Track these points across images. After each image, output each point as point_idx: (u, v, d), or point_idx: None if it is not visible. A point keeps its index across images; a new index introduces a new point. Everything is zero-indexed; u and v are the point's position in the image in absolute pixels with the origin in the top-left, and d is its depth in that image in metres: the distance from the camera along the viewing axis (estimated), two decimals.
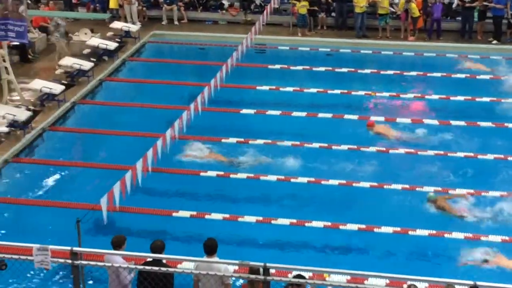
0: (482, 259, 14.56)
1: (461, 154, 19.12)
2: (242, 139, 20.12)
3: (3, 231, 15.56)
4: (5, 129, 20.09)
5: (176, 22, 31.23)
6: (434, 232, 15.53)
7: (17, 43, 23.98)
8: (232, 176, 18.13)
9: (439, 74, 25.21)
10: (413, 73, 25.44)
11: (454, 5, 30.37)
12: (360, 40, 28.87)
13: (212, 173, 18.25)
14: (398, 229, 15.73)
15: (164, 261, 11.15)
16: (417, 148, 19.52)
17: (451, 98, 23.03)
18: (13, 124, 20.21)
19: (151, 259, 11.15)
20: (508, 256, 14.78)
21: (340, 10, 30.29)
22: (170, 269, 9.26)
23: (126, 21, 30.04)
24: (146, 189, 16.77)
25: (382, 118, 21.51)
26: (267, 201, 17.19)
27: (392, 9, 29.40)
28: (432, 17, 28.83)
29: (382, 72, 25.56)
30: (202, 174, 18.22)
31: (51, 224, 15.98)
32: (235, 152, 19.49)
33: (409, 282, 11.52)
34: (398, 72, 25.50)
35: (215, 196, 17.36)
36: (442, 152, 19.24)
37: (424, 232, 15.52)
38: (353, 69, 25.72)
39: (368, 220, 16.03)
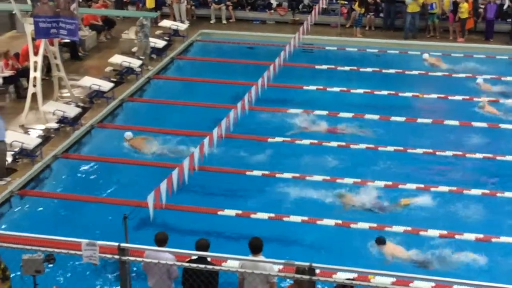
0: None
1: None
2: (288, 139, 20.13)
3: (52, 226, 15.76)
4: (55, 125, 20.38)
5: (224, 21, 31.37)
6: None
7: (68, 41, 24.30)
8: (277, 175, 18.15)
9: (488, 76, 24.91)
10: (462, 75, 25.18)
11: (505, 7, 30.02)
12: (408, 41, 28.67)
13: (257, 173, 18.28)
14: (481, 236, 15.61)
15: (209, 259, 11.21)
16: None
17: (501, 101, 22.79)
18: (62, 121, 20.49)
19: (196, 257, 11.22)
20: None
21: (388, 11, 30.13)
22: (216, 267, 9.31)
23: (175, 20, 30.25)
24: (192, 187, 16.86)
25: (429, 120, 21.36)
26: (312, 201, 17.14)
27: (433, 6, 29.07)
28: (486, 18, 28.51)
29: (430, 74, 25.35)
30: (248, 173, 18.26)
31: (98, 220, 16.15)
32: (280, 151, 19.50)
33: None
34: (447, 74, 25.26)
35: (261, 195, 17.37)
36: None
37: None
38: (400, 70, 25.55)
39: (413, 223, 15.97)
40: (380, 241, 14.92)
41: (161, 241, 11.86)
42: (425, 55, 26.02)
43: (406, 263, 14.53)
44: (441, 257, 14.71)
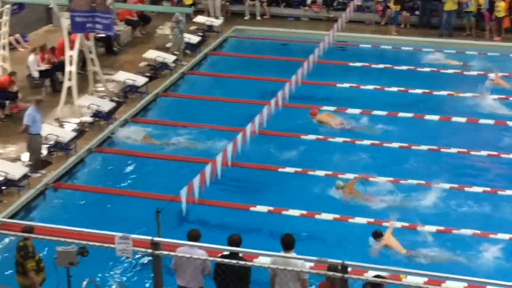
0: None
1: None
2: (321, 136, 20.10)
3: (85, 219, 15.90)
4: (90, 119, 20.54)
5: (258, 18, 31.38)
6: None
7: (103, 35, 24.47)
8: (310, 173, 18.14)
9: None
10: (499, 74, 24.91)
11: None
12: (443, 40, 28.47)
13: (290, 169, 18.28)
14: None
15: (241, 255, 11.23)
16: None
17: None
18: (97, 115, 20.65)
19: (228, 252, 11.25)
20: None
21: (424, 9, 29.93)
22: (248, 263, 9.32)
23: (209, 16, 30.32)
24: (225, 183, 16.91)
25: (464, 119, 21.20)
26: (341, 200, 17.09)
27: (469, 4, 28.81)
28: None
29: (465, 73, 25.16)
30: (280, 169, 18.27)
31: (131, 214, 16.26)
32: (313, 148, 19.49)
33: None
34: (482, 73, 25.04)
35: (293, 192, 17.36)
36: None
37: None
38: (435, 69, 25.37)
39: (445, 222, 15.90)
40: (377, 235, 14.99)
41: (193, 238, 11.85)
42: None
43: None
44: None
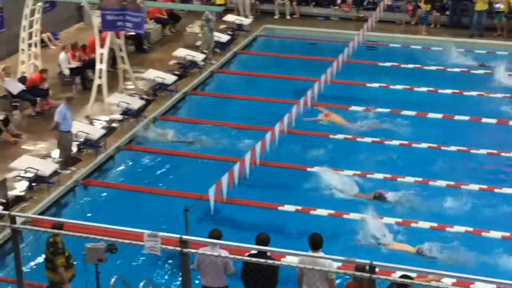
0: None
1: None
2: (350, 136, 20.05)
3: (114, 216, 16.00)
4: (119, 117, 20.67)
5: (288, 17, 31.36)
6: None
7: (133, 34, 24.61)
8: (339, 173, 18.09)
9: None
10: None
11: None
12: (474, 40, 28.26)
13: (318, 169, 18.26)
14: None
15: (268, 254, 11.24)
16: None
17: None
18: (126, 112, 20.78)
19: (255, 251, 11.27)
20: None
21: (454, 8, 29.74)
22: (276, 262, 9.34)
23: (239, 14, 30.36)
24: (253, 182, 16.93)
25: (494, 121, 21.05)
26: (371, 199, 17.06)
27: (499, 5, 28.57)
28: None
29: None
30: (308, 169, 18.25)
31: (159, 212, 16.34)
32: (341, 149, 19.46)
33: None
34: None
35: (321, 192, 17.35)
36: None
37: None
38: (465, 69, 25.19)
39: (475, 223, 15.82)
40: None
41: (215, 238, 11.79)
42: None
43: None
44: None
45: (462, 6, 29.60)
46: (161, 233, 8.86)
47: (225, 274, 12.03)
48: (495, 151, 19.16)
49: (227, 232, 15.09)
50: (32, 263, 14.41)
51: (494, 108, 22.06)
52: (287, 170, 18.32)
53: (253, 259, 9.07)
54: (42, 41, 24.73)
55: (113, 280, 11.79)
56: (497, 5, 28.74)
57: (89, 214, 16.42)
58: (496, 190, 17.28)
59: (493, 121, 21.10)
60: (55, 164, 17.60)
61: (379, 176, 17.78)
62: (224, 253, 11.29)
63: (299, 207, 16.55)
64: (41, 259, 13.92)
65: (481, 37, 28.53)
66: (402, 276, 10.25)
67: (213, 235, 11.80)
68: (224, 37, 27.12)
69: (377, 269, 8.35)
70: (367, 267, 8.24)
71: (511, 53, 26.84)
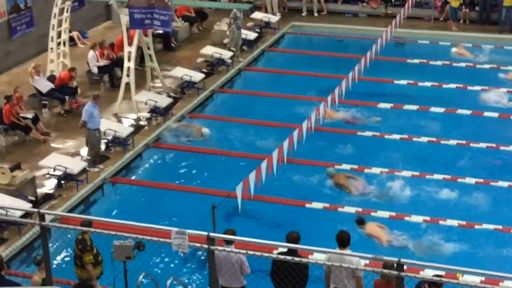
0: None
1: None
2: (377, 133, 19.98)
3: (142, 213, 16.07)
4: (147, 115, 20.75)
5: (315, 14, 31.25)
6: None
7: (161, 32, 24.69)
8: (366, 170, 18.05)
9: None
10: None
11: None
12: (503, 36, 27.99)
13: (346, 166, 18.22)
14: None
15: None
16: None
17: None
18: (154, 110, 20.84)
19: (285, 250, 11.24)
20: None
21: (484, 4, 29.48)
22: (304, 260, 9.33)
23: (266, 12, 30.33)
24: (280, 179, 16.91)
25: None
26: (399, 197, 16.97)
27: None
28: None
29: None
30: (336, 166, 18.18)
31: (187, 209, 16.38)
32: (369, 147, 19.39)
33: None
34: None
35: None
36: None
37: None
38: (495, 66, 24.95)
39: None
40: (361, 221, 14.97)
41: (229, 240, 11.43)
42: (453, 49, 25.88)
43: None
44: None
45: (492, 1, 29.31)
46: (188, 231, 8.89)
47: (242, 274, 11.96)
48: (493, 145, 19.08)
49: (254, 229, 15.19)
50: (61, 260, 14.52)
51: None
52: (314, 168, 18.23)
53: (281, 257, 9.06)
54: (71, 39, 24.90)
55: (141, 277, 11.84)
56: None
57: (117, 212, 16.51)
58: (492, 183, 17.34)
59: None
60: (83, 162, 17.70)
61: (407, 174, 17.69)
62: (237, 256, 11.24)
63: (327, 204, 16.51)
64: (70, 256, 14.02)
65: (511, 33, 28.23)
66: (434, 275, 10.18)
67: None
68: (252, 35, 27.09)
69: (405, 267, 8.31)
70: (395, 265, 8.22)
71: None
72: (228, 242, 11.34)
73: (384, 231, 15.12)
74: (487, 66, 24.94)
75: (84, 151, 18.43)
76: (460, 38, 27.75)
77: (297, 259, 8.95)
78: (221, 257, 11.49)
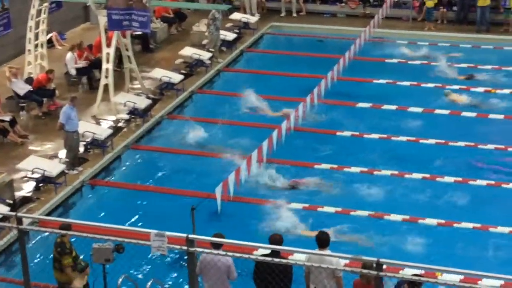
0: None
1: None
2: (357, 133, 20.03)
3: (121, 216, 16.02)
4: (126, 117, 20.68)
5: (294, 14, 31.27)
6: None
7: (140, 33, 24.60)
8: (345, 169, 18.10)
9: None
10: None
11: None
12: (481, 35, 28.14)
13: (325, 166, 18.25)
14: None
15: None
16: None
17: None
18: (133, 112, 20.78)
19: (267, 252, 11.18)
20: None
21: (462, 4, 29.61)
22: (283, 260, 9.32)
23: (245, 13, 30.32)
24: (260, 180, 16.90)
25: (502, 116, 20.97)
26: (379, 195, 17.03)
27: None
28: None
29: (503, 68, 24.84)
30: (316, 166, 18.23)
31: (167, 211, 16.34)
32: (350, 146, 19.44)
33: None
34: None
35: (329, 189, 17.33)
36: None
37: None
38: (473, 65, 25.08)
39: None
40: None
41: (217, 243, 11.16)
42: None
43: None
44: None
45: (470, 1, 29.45)
46: (168, 233, 8.86)
47: (228, 279, 11.86)
48: (502, 146, 19.13)
49: (234, 231, 15.14)
50: (39, 264, 14.41)
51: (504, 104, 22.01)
52: (293, 168, 18.23)
53: (260, 258, 9.05)
54: (49, 41, 24.76)
55: (120, 279, 11.79)
56: (505, 3, 28.56)
57: (96, 214, 16.43)
58: (503, 186, 17.32)
59: (501, 117, 21.00)
60: (62, 165, 17.62)
61: (387, 173, 17.77)
62: (225, 260, 11.17)
63: (306, 205, 16.52)
64: (48, 259, 13.93)
65: (488, 32, 28.40)
66: (413, 275, 10.19)
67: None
68: (231, 36, 27.07)
69: (384, 266, 8.32)
70: (374, 265, 8.22)
71: None
72: (215, 246, 10.99)
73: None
74: (464, 65, 25.02)
75: (63, 153, 18.33)
76: (437, 38, 27.89)
77: (276, 260, 8.93)
78: (207, 261, 11.34)
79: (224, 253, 9.33)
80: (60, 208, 16.86)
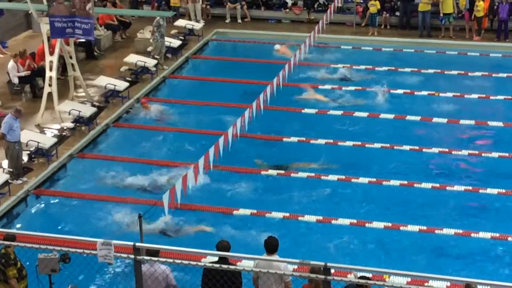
0: None
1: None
2: (303, 138, 20.11)
3: (67, 225, 15.83)
4: (71, 125, 20.46)
5: (239, 21, 31.33)
6: None
7: (84, 40, 24.36)
8: (292, 175, 18.17)
9: (504, 75, 24.81)
10: (478, 73, 25.01)
11: None
12: (423, 40, 28.54)
13: (272, 172, 18.31)
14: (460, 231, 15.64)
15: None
16: None
17: None
18: (78, 120, 20.57)
19: (215, 259, 11.12)
20: None
21: (405, 9, 29.99)
22: (231, 267, 9.30)
23: (190, 19, 30.26)
24: (208, 186, 16.86)
25: (445, 120, 21.26)
26: (326, 201, 17.13)
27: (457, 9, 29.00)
28: (499, 18, 28.34)
29: (446, 72, 25.21)
30: (263, 172, 18.28)
31: (114, 219, 16.19)
32: (297, 152, 19.52)
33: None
34: (463, 72, 25.10)
35: (275, 195, 17.38)
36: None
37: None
38: (416, 69, 25.40)
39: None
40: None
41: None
42: (276, 46, 27.29)
43: None
44: None
45: (412, 7, 29.85)
46: (114, 241, 8.78)
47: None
48: (446, 150, 19.39)
49: (182, 238, 15.11)
50: None
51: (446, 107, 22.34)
52: (240, 174, 18.26)
53: (208, 264, 9.02)
54: None
55: None
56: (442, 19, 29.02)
57: (41, 224, 16.20)
58: (416, 185, 17.53)
59: (444, 120, 21.29)
60: (5, 175, 17.32)
61: (333, 178, 17.90)
62: (162, 269, 11.06)
63: (254, 211, 16.53)
64: None
65: (430, 37, 28.81)
66: (360, 277, 10.28)
67: (150, 251, 11.00)
68: (176, 42, 26.99)
69: (332, 271, 8.37)
70: (322, 269, 8.26)
71: (459, 52, 27.14)
72: (151, 254, 10.91)
73: None
74: (408, 69, 25.31)
75: (5, 163, 18.03)
76: (381, 43, 28.21)
77: (224, 266, 8.91)
78: (147, 274, 11.08)
79: (171, 260, 9.22)
80: (4, 218, 16.56)
